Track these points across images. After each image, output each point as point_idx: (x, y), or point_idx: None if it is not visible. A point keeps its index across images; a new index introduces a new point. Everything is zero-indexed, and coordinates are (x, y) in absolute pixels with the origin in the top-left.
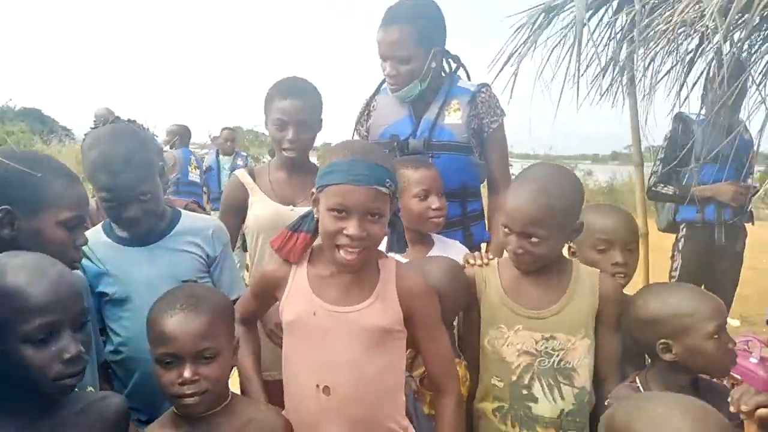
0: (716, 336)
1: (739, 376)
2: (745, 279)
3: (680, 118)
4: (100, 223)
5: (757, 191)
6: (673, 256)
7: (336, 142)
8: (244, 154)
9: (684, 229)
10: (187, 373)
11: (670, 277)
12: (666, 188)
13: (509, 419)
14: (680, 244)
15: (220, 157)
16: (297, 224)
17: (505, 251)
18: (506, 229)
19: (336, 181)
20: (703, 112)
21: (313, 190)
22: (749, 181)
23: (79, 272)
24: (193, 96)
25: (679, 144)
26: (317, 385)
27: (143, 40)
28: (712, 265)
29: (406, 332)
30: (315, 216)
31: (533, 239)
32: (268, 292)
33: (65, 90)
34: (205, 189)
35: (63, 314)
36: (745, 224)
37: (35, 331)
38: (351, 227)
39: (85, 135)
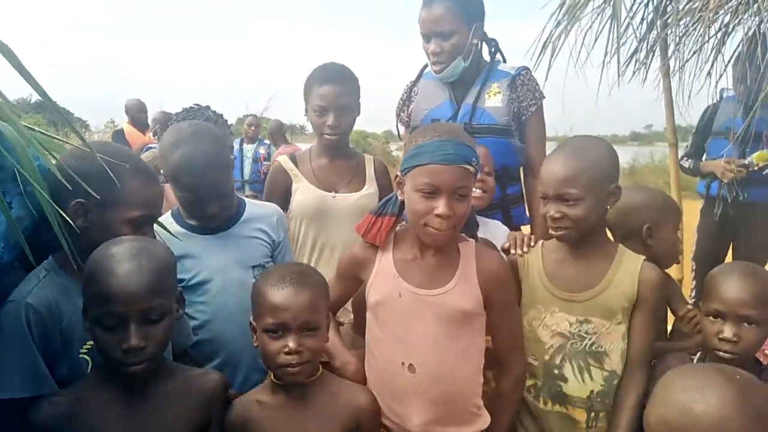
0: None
1: None
2: None
3: (720, 94)
4: (169, 212)
5: (754, 168)
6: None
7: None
8: (267, 142)
9: (702, 204)
10: (292, 344)
11: (691, 251)
12: (688, 162)
13: (542, 396)
14: (698, 219)
15: (244, 145)
16: (381, 209)
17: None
18: (543, 199)
19: (425, 161)
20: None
21: (397, 173)
22: (749, 159)
23: (174, 260)
24: (204, 81)
25: (705, 118)
26: (402, 363)
27: (148, 27)
28: (730, 242)
29: (485, 315)
30: (399, 198)
31: (569, 201)
32: (355, 274)
33: (72, 80)
34: None
35: (129, 307)
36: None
37: (103, 316)
38: (441, 206)
39: (163, 132)
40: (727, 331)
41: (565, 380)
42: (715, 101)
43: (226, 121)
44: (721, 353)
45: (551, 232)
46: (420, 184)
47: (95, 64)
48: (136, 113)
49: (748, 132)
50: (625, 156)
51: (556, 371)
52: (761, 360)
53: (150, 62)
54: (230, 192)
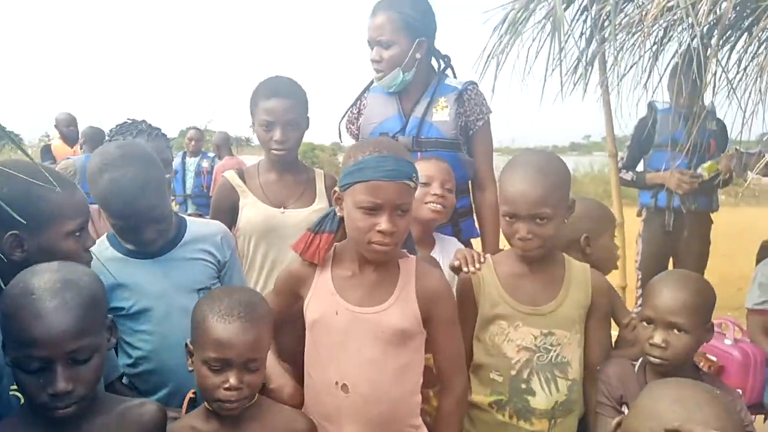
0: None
1: (714, 358)
2: (718, 267)
3: (650, 107)
4: (104, 236)
5: (704, 179)
6: (637, 241)
7: (323, 143)
8: (211, 155)
9: (644, 214)
10: (233, 380)
11: (635, 261)
12: (627, 174)
13: (507, 411)
14: (641, 229)
15: (187, 158)
16: (318, 225)
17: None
18: (511, 218)
19: (366, 178)
20: (667, 100)
21: (336, 189)
22: (699, 170)
23: (102, 287)
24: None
25: (645, 131)
26: (336, 383)
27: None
28: (673, 250)
29: (425, 333)
30: (339, 214)
31: (540, 221)
32: (293, 290)
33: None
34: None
35: (54, 350)
36: (710, 212)
37: (25, 360)
38: (383, 222)
39: (91, 147)
40: (657, 338)
41: (533, 394)
42: (646, 114)
43: (165, 135)
44: (651, 358)
45: (521, 252)
46: (362, 200)
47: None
48: (65, 127)
49: (695, 143)
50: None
51: (523, 385)
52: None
53: (90, 73)
54: (166, 215)
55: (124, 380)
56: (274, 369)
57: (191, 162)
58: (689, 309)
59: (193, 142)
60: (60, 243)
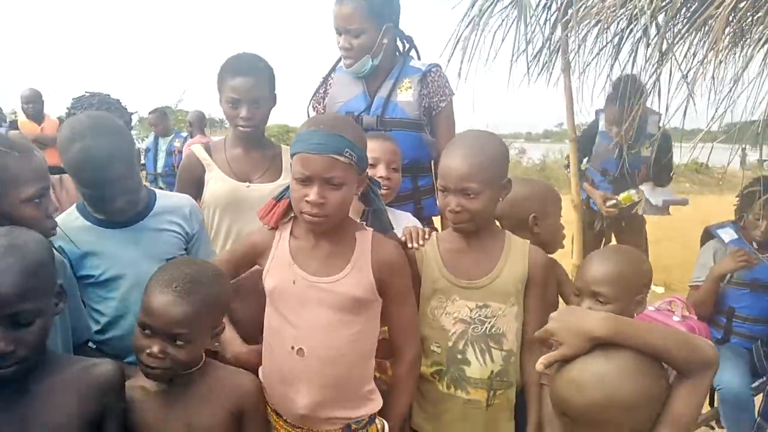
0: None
1: None
2: (670, 251)
3: (597, 114)
4: (74, 205)
5: (622, 206)
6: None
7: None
8: (184, 134)
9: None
10: (155, 348)
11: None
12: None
13: (445, 381)
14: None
15: (159, 138)
16: (281, 193)
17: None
18: (443, 192)
19: (297, 150)
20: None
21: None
22: (618, 198)
23: (50, 254)
24: (120, 72)
25: (588, 136)
26: (293, 347)
27: (61, 14)
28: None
29: (381, 301)
30: None
31: (470, 195)
32: (249, 259)
33: None
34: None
35: None
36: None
37: None
38: (312, 193)
39: (62, 126)
40: (583, 307)
41: (468, 364)
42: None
43: (125, 107)
44: None
45: (451, 224)
46: (296, 171)
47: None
48: (26, 104)
49: (623, 172)
50: (537, 152)
51: (459, 356)
52: None
53: (61, 52)
54: (136, 186)
55: (92, 346)
56: (228, 338)
57: (163, 141)
58: (612, 280)
59: (153, 127)
60: (18, 209)
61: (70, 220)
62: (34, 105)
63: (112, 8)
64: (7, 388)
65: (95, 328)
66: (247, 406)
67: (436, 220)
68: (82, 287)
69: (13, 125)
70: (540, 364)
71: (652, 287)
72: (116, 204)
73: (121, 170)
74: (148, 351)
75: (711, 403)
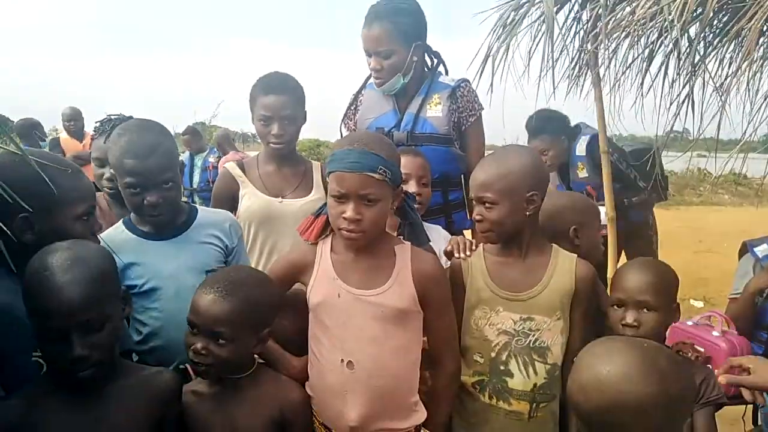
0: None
1: (702, 349)
2: (707, 263)
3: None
4: (120, 221)
5: None
6: None
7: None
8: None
9: None
10: (198, 345)
11: None
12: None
13: (488, 392)
14: None
15: (194, 155)
16: (319, 210)
17: None
18: (473, 201)
19: (332, 168)
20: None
21: (327, 178)
22: None
23: (113, 262)
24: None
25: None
26: (342, 360)
27: (94, 39)
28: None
29: (422, 313)
30: None
31: (487, 205)
32: (291, 277)
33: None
34: None
35: (67, 321)
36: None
37: (44, 331)
38: (348, 210)
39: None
40: (629, 317)
41: (511, 375)
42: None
43: None
44: None
45: (477, 233)
46: (332, 189)
47: (37, 76)
48: (66, 122)
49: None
50: None
51: (502, 367)
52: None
53: (95, 75)
54: (175, 185)
55: (134, 357)
56: (277, 354)
57: (198, 158)
58: (656, 288)
59: (187, 146)
60: (69, 226)
61: (116, 233)
62: (75, 123)
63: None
64: (82, 392)
65: (137, 338)
66: (292, 417)
67: (468, 234)
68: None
69: (55, 142)
70: (723, 377)
71: (691, 302)
72: (152, 198)
73: (161, 161)
74: (192, 348)
75: (754, 422)
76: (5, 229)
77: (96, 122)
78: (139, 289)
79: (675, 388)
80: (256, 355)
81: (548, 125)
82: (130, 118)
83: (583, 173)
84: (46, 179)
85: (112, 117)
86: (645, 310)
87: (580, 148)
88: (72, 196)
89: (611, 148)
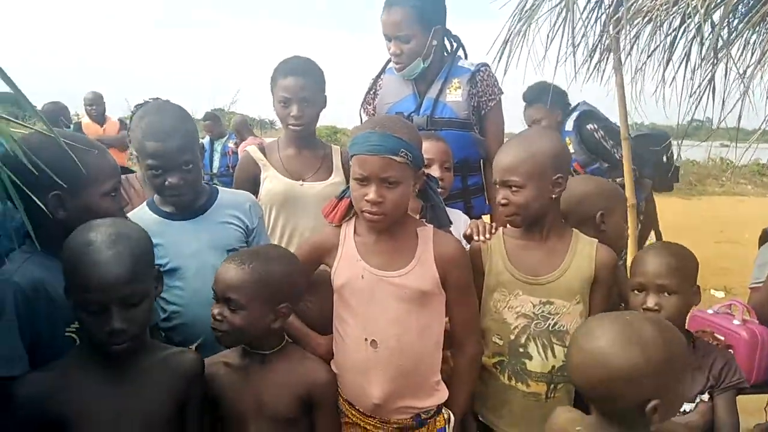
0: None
1: (723, 337)
2: (728, 253)
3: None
4: (144, 202)
5: None
6: None
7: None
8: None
9: None
10: (215, 311)
11: None
12: None
13: (507, 372)
14: None
15: (214, 141)
16: (342, 193)
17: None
18: (496, 185)
19: (354, 151)
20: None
21: (350, 161)
22: None
23: (150, 241)
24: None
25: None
26: (366, 339)
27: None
28: None
29: (444, 294)
30: None
31: (513, 188)
32: (316, 259)
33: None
34: None
35: (109, 295)
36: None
37: (85, 304)
38: (370, 193)
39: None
40: (650, 301)
41: (530, 358)
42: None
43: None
44: None
45: (502, 217)
46: (354, 172)
47: (61, 56)
48: (88, 106)
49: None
50: None
51: (521, 349)
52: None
53: (116, 56)
54: (196, 167)
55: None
56: (303, 333)
57: (218, 143)
58: (676, 271)
59: (208, 133)
60: (98, 202)
61: (140, 214)
62: (96, 107)
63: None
64: (112, 366)
65: (162, 316)
66: (318, 397)
67: (486, 219)
68: None
69: (76, 127)
70: None
71: (712, 292)
72: (173, 179)
73: (182, 143)
74: (211, 314)
75: None
76: (41, 205)
77: (134, 106)
78: (163, 268)
79: (659, 355)
80: (285, 335)
81: (544, 96)
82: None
83: (569, 148)
84: (75, 158)
85: (149, 101)
86: (666, 293)
87: (569, 123)
88: (99, 174)
89: (596, 123)
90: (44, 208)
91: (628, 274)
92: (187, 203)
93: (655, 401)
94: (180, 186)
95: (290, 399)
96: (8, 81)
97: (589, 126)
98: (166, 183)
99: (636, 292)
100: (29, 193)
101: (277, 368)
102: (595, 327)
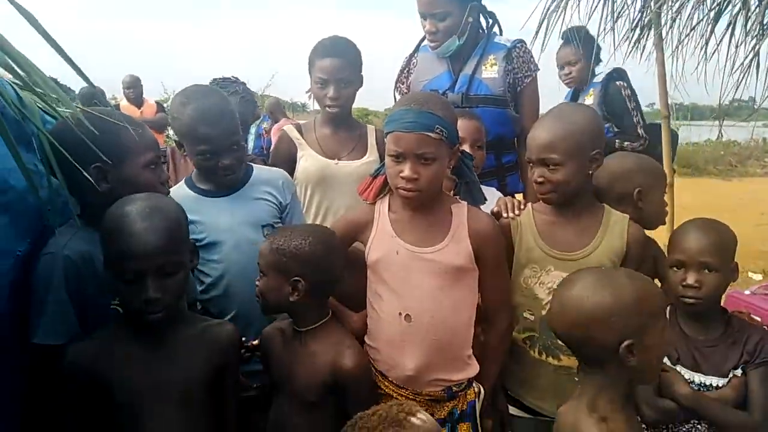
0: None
1: (759, 318)
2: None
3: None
4: (182, 180)
5: None
6: None
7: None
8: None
9: None
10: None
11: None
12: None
13: (537, 347)
14: None
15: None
16: (377, 170)
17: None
18: (530, 164)
19: (390, 129)
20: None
21: (385, 138)
22: None
23: (185, 215)
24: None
25: None
26: (400, 313)
27: (147, 6)
28: None
29: (477, 270)
30: None
31: (551, 166)
32: (350, 236)
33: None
34: None
35: (145, 263)
36: None
37: (122, 272)
38: (406, 169)
39: (173, 98)
40: (690, 278)
41: None
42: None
43: (255, 102)
44: (686, 299)
45: (538, 195)
46: (389, 149)
47: (95, 44)
48: (126, 89)
49: None
50: None
51: None
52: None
53: (149, 42)
54: (243, 146)
55: (198, 306)
56: (336, 306)
57: (253, 125)
58: (717, 248)
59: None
60: (139, 174)
61: (178, 191)
62: (134, 90)
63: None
64: (151, 335)
65: (200, 288)
66: (343, 382)
67: (519, 198)
68: None
69: (116, 109)
70: None
71: (750, 274)
72: (225, 160)
73: (230, 126)
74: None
75: None
76: (87, 176)
77: (218, 79)
78: (200, 242)
79: (628, 296)
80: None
81: (582, 40)
82: (245, 89)
83: (589, 100)
84: (113, 132)
85: (233, 79)
86: (706, 270)
87: (599, 77)
88: (137, 146)
89: (626, 82)
90: (91, 181)
91: (666, 251)
92: (237, 180)
93: (629, 341)
94: (233, 166)
95: (318, 383)
96: (61, 52)
97: (619, 82)
98: (220, 164)
99: (675, 268)
100: (76, 165)
101: (309, 348)
102: (573, 277)
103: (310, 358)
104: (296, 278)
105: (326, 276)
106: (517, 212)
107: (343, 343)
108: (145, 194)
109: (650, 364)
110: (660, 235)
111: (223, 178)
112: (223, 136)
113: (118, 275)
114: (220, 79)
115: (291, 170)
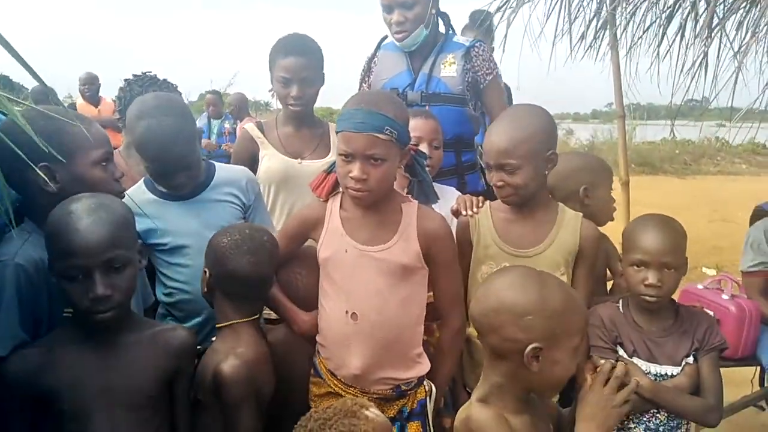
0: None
1: (712, 312)
2: (721, 232)
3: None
4: (141, 181)
5: None
6: None
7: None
8: (232, 117)
9: None
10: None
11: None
12: None
13: None
14: None
15: (211, 120)
16: (331, 167)
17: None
18: (488, 168)
19: (340, 128)
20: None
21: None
22: None
23: (131, 213)
24: (166, 57)
25: None
26: (347, 312)
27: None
28: None
29: (427, 269)
30: None
31: (509, 170)
32: (303, 233)
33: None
34: None
35: (91, 259)
36: None
37: (67, 269)
38: (355, 170)
39: (129, 102)
40: (652, 278)
41: None
42: None
43: (179, 91)
44: (647, 297)
45: (499, 198)
46: (339, 148)
47: (52, 39)
48: (82, 86)
49: None
50: (585, 133)
51: None
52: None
53: (111, 37)
54: (196, 162)
55: (161, 310)
56: (288, 308)
57: (214, 124)
58: (675, 248)
59: (211, 107)
60: (89, 172)
61: (138, 193)
62: (90, 87)
63: None
64: (98, 339)
65: (164, 291)
66: (217, 380)
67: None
68: (150, 254)
69: (71, 108)
70: None
71: (704, 269)
72: (177, 180)
73: (182, 149)
74: None
75: (761, 383)
76: (42, 175)
77: (131, 76)
78: (164, 247)
79: (554, 303)
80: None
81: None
82: (155, 77)
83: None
84: (59, 129)
85: (137, 76)
86: (666, 269)
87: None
88: (86, 143)
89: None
90: (40, 181)
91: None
92: (190, 189)
93: (537, 344)
94: (184, 184)
95: (203, 380)
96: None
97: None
98: (171, 183)
99: (636, 267)
100: (28, 161)
101: (213, 345)
102: (508, 269)
103: (206, 358)
104: (205, 269)
105: (227, 272)
106: (475, 210)
107: (234, 350)
108: (89, 193)
109: (551, 378)
110: (615, 231)
111: (175, 189)
112: (175, 159)
113: (64, 274)
114: (134, 77)
115: (253, 169)
